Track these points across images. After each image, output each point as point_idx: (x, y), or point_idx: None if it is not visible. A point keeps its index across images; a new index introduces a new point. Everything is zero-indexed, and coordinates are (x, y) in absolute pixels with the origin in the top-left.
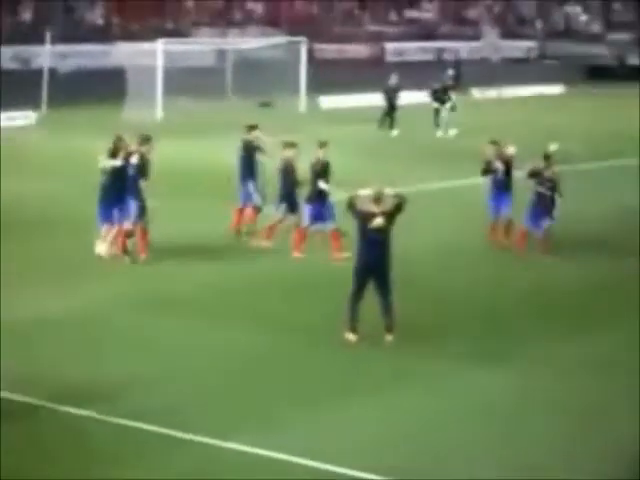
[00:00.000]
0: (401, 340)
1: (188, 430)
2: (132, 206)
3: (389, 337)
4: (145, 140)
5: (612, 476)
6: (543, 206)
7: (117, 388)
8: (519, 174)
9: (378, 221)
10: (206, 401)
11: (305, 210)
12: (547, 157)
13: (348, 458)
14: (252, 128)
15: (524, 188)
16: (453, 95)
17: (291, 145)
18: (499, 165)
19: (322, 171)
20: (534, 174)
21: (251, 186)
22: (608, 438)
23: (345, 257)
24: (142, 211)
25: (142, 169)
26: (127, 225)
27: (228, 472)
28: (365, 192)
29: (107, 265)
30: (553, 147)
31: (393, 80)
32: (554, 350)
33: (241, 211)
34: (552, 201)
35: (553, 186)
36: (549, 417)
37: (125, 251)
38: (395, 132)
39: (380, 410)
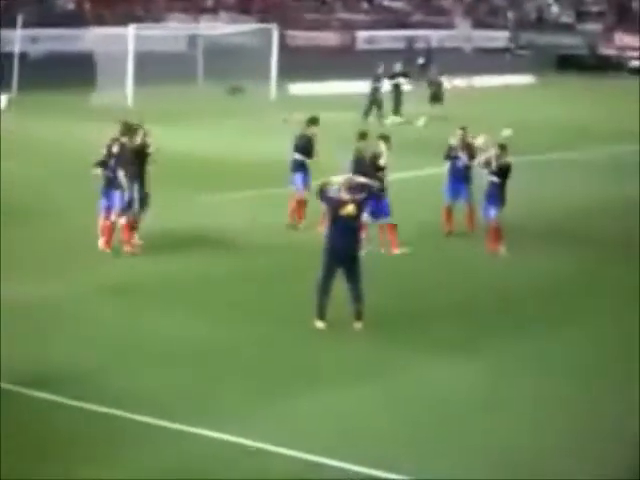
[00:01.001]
0: (370, 329)
1: (163, 417)
2: (115, 198)
3: (358, 325)
4: (127, 129)
5: (576, 467)
6: (494, 195)
7: (92, 374)
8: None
9: (349, 208)
10: (180, 389)
11: None
12: (501, 146)
13: (320, 446)
14: (313, 122)
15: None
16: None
17: (314, 121)
18: (461, 154)
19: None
20: (487, 163)
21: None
22: (574, 430)
23: (406, 252)
24: (127, 203)
25: (121, 160)
26: (112, 217)
27: (200, 459)
28: (336, 179)
29: (85, 253)
30: (506, 132)
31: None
32: (522, 342)
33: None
34: (502, 190)
35: (504, 175)
36: (516, 410)
37: (108, 244)
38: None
39: (349, 399)
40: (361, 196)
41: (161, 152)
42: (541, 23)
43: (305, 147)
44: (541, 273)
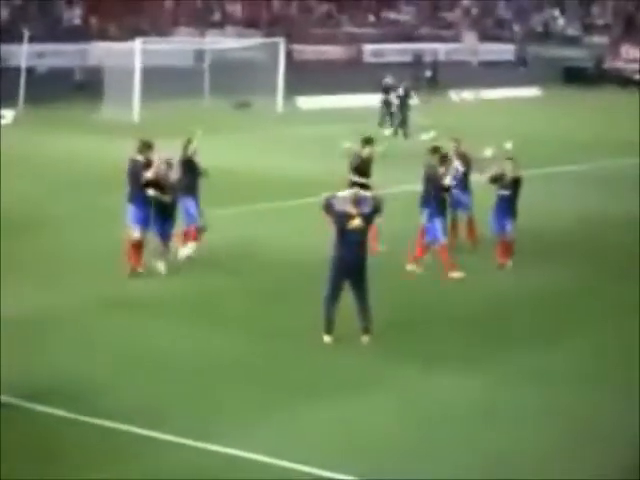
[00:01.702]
0: (376, 342)
1: (163, 430)
2: (131, 212)
3: (365, 338)
4: (144, 147)
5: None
6: (506, 209)
7: (92, 388)
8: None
9: (356, 222)
10: (181, 402)
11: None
12: (509, 159)
13: (323, 459)
14: (367, 142)
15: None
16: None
17: (369, 141)
18: (458, 165)
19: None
20: (496, 179)
21: None
22: (576, 442)
23: (461, 277)
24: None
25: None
26: (131, 233)
27: (203, 472)
28: (343, 193)
29: (87, 266)
30: (508, 145)
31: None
32: (524, 356)
33: None
34: (514, 204)
35: (516, 188)
36: (518, 422)
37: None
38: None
39: (354, 412)
40: (368, 210)
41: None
42: (547, 36)
43: (360, 168)
44: (545, 286)
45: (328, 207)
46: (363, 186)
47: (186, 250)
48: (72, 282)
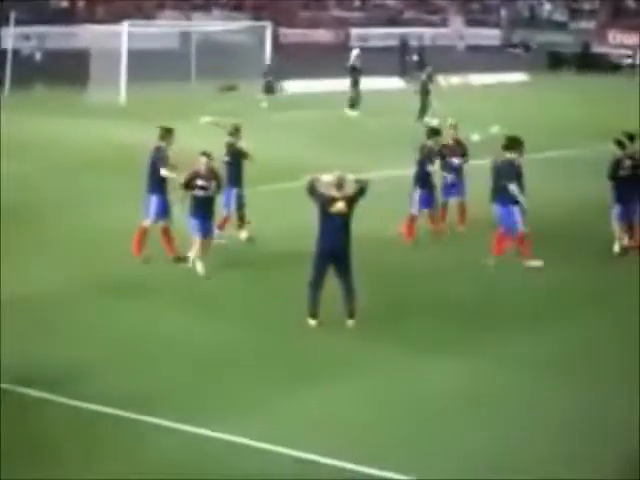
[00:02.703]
0: (362, 326)
1: (155, 415)
2: (151, 203)
3: (350, 322)
4: (166, 132)
5: (564, 468)
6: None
7: (85, 373)
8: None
9: (339, 205)
10: (171, 387)
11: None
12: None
13: (311, 443)
14: (435, 133)
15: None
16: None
17: (436, 132)
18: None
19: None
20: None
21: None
22: (559, 431)
23: (538, 265)
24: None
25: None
26: (145, 223)
27: (193, 456)
28: (327, 177)
29: (74, 249)
30: (494, 129)
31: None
32: (511, 342)
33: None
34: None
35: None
36: (502, 408)
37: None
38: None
39: (343, 397)
40: (351, 193)
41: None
42: (534, 21)
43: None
44: (534, 274)
45: (312, 190)
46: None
47: (243, 234)
48: (63, 266)
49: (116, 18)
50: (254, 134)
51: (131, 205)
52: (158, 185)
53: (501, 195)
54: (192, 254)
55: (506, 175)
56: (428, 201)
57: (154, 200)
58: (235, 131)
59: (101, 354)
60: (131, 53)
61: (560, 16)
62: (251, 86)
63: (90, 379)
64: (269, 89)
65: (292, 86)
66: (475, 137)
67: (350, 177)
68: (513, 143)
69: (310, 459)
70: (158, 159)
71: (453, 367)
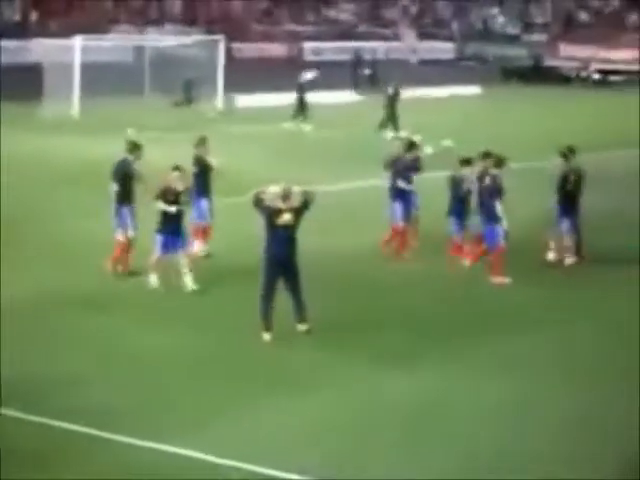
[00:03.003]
0: (317, 339)
1: (112, 430)
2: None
3: (302, 327)
4: (133, 147)
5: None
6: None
7: (41, 386)
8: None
9: (286, 217)
10: (131, 402)
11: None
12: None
13: (267, 458)
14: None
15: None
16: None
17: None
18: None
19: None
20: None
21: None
22: (522, 438)
23: (506, 282)
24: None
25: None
26: (122, 237)
27: (153, 472)
28: (273, 189)
29: (39, 261)
30: (446, 143)
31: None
32: (468, 351)
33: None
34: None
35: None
36: (462, 418)
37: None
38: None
39: (298, 410)
40: (297, 205)
41: (110, 162)
42: (487, 34)
43: (405, 172)
44: (498, 289)
45: (258, 202)
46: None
47: (196, 248)
48: (28, 277)
49: (69, 32)
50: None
51: (93, 218)
52: (129, 197)
53: (486, 212)
54: (151, 263)
55: (490, 193)
56: (405, 214)
57: (127, 212)
58: (201, 142)
59: (67, 370)
60: (84, 67)
61: (513, 29)
62: (204, 99)
63: (53, 396)
64: (188, 101)
65: (245, 100)
66: (428, 150)
67: (296, 189)
68: (498, 161)
69: (267, 474)
70: (122, 172)
71: (413, 379)
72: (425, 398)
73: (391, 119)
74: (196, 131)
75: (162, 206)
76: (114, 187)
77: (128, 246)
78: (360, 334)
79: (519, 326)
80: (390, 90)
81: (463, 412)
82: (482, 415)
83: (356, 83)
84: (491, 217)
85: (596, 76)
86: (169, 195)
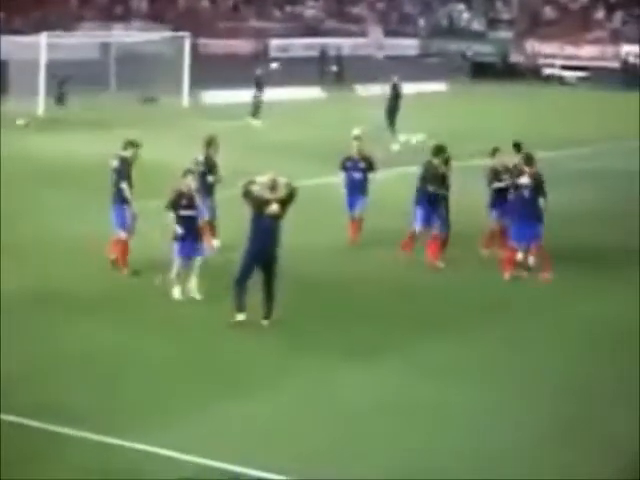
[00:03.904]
0: (282, 336)
1: (81, 428)
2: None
3: (265, 322)
4: (129, 144)
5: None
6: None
7: (11, 385)
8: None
9: (273, 207)
10: (94, 399)
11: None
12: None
13: (236, 455)
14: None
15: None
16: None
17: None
18: (359, 162)
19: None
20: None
21: None
22: (482, 438)
23: (440, 267)
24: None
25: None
26: (122, 235)
27: (118, 469)
28: (260, 179)
29: (6, 258)
30: (356, 131)
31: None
32: (429, 348)
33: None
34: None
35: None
36: (427, 414)
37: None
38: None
39: (265, 407)
40: (284, 195)
41: (78, 160)
42: (452, 30)
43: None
44: (454, 278)
45: (247, 193)
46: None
47: (215, 243)
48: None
49: (34, 29)
50: (166, 144)
51: (69, 216)
52: (130, 195)
53: (530, 210)
54: (173, 275)
55: (536, 190)
56: (429, 219)
57: (125, 210)
58: (211, 142)
59: (22, 365)
60: (50, 64)
61: (478, 25)
62: (170, 96)
63: (17, 393)
64: (60, 100)
65: (212, 96)
66: (395, 146)
67: (282, 181)
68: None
69: (227, 469)
70: (121, 170)
71: (378, 375)
72: (387, 394)
73: (390, 117)
74: (163, 127)
75: (180, 212)
76: (123, 185)
77: (127, 243)
78: (326, 330)
79: (488, 322)
80: (389, 87)
81: (426, 409)
82: (443, 412)
83: (322, 79)
84: (539, 216)
85: (564, 73)
86: (183, 200)
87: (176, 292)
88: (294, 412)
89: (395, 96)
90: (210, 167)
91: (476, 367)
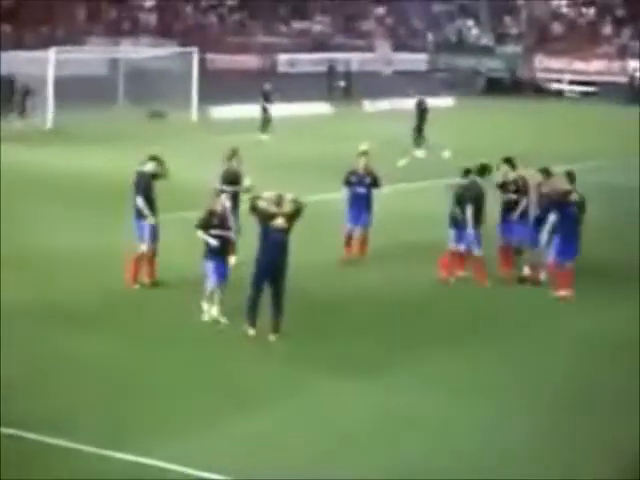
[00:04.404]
0: (287, 345)
1: (77, 440)
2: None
3: (273, 337)
4: (149, 159)
5: None
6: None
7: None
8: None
9: (279, 221)
10: (95, 412)
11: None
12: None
13: (233, 468)
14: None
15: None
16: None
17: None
18: (364, 178)
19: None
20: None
21: None
22: (475, 453)
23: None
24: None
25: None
26: (142, 248)
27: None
28: (266, 194)
29: (17, 274)
30: (363, 147)
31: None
32: (426, 362)
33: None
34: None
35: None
36: (423, 428)
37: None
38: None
39: (268, 421)
40: (290, 210)
41: (84, 173)
42: (461, 46)
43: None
44: (448, 291)
45: (254, 207)
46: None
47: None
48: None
49: (43, 44)
50: (176, 159)
51: (74, 230)
52: (150, 208)
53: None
54: (205, 304)
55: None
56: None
57: (142, 225)
58: (233, 155)
59: (18, 377)
60: (59, 79)
61: (487, 41)
62: (178, 111)
63: (15, 404)
64: (22, 112)
65: (220, 111)
66: (401, 162)
67: (288, 196)
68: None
69: None
70: (140, 184)
71: (378, 388)
72: (384, 408)
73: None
74: (170, 143)
75: (212, 232)
76: (139, 200)
77: (151, 257)
78: (322, 344)
79: (485, 337)
80: (416, 101)
81: (421, 424)
82: (442, 427)
83: (330, 95)
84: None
85: (572, 88)
86: (215, 219)
87: (213, 312)
88: (299, 426)
89: (422, 112)
90: (235, 179)
91: (480, 381)
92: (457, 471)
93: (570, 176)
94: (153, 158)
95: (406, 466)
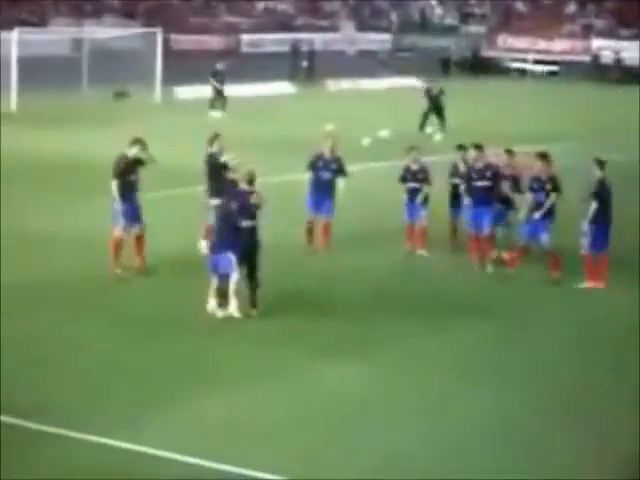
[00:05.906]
0: (263, 332)
1: (54, 424)
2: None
3: (254, 312)
4: (132, 142)
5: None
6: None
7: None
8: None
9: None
10: (72, 396)
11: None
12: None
13: (215, 451)
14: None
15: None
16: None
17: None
18: (331, 163)
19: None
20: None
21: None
22: (469, 437)
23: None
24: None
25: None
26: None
27: (93, 466)
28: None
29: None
30: (328, 127)
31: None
32: (415, 345)
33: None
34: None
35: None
36: (406, 412)
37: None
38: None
39: (246, 402)
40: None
41: (49, 156)
42: (425, 25)
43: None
44: (440, 273)
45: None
46: None
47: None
48: None
49: (6, 25)
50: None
51: (39, 212)
52: (128, 191)
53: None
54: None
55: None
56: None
57: (126, 206)
58: (215, 139)
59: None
60: (22, 60)
61: (451, 20)
62: (142, 92)
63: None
64: None
65: (185, 91)
66: (365, 141)
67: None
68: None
69: (209, 466)
70: (120, 167)
71: (356, 370)
72: (365, 389)
73: (438, 118)
74: (136, 122)
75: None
76: (112, 184)
77: (136, 241)
78: (301, 324)
79: (466, 317)
80: (434, 89)
81: (400, 406)
82: (420, 409)
83: (293, 75)
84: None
85: (535, 68)
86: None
87: (234, 308)
88: (271, 407)
89: (433, 98)
90: (217, 166)
91: (470, 362)
92: (452, 455)
93: (600, 163)
94: (137, 141)
95: (395, 448)
